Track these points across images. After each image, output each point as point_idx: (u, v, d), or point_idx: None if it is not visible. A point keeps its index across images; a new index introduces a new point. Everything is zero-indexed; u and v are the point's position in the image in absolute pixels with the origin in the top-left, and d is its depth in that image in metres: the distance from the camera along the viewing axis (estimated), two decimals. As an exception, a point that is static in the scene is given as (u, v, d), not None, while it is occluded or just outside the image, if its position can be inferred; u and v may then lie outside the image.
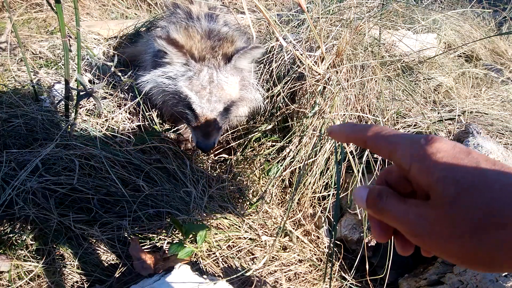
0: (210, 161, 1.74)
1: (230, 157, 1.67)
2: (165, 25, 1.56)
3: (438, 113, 1.63)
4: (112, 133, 1.53)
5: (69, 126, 1.45)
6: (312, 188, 1.47)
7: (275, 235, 1.44)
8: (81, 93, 1.28)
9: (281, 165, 1.53)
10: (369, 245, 1.35)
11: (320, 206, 1.52)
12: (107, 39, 2.26)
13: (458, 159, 0.36)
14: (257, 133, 1.66)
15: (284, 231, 1.45)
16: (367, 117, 1.50)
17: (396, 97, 1.68)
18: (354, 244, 1.46)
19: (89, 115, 1.65)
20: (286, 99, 1.56)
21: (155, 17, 2.40)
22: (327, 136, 1.44)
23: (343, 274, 1.41)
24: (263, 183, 1.59)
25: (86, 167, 1.35)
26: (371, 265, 1.37)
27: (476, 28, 2.54)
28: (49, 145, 1.31)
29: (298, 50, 1.45)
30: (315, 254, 1.46)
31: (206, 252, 1.33)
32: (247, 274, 1.28)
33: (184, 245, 1.22)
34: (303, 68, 1.45)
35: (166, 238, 1.29)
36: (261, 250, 1.40)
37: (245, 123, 1.75)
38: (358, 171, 1.32)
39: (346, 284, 1.35)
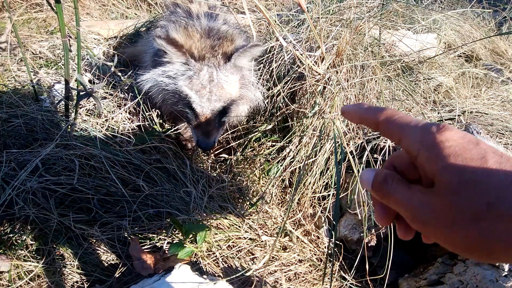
0: (210, 161, 1.74)
1: (230, 157, 1.67)
2: (165, 24, 1.56)
3: (438, 113, 1.63)
4: (112, 133, 1.53)
5: (69, 126, 1.45)
6: (312, 188, 1.47)
7: (275, 235, 1.43)
8: (81, 93, 1.27)
9: (281, 165, 1.53)
10: (369, 245, 1.35)
11: (320, 206, 1.52)
12: (107, 39, 2.26)
13: (466, 149, 0.36)
14: (257, 133, 1.66)
15: (284, 231, 1.45)
16: (367, 117, 1.50)
17: (396, 97, 1.68)
18: (354, 244, 1.46)
19: (89, 115, 1.65)
20: (286, 99, 1.56)
21: (155, 17, 2.41)
22: (327, 136, 1.44)
23: (343, 274, 1.41)
24: (263, 183, 1.59)
25: (86, 167, 1.34)
26: (371, 265, 1.37)
27: (476, 28, 2.54)
28: (49, 145, 1.31)
29: (298, 50, 1.45)
30: (315, 254, 1.46)
31: (206, 252, 1.33)
32: (247, 274, 1.28)
33: (184, 245, 1.22)
34: (303, 68, 1.45)
35: (166, 238, 1.29)
36: (261, 250, 1.40)
37: (245, 123, 1.75)
38: (358, 171, 1.32)
39: (346, 284, 1.35)
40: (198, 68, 1.32)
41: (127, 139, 1.52)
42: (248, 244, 1.40)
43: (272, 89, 1.61)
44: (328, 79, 1.45)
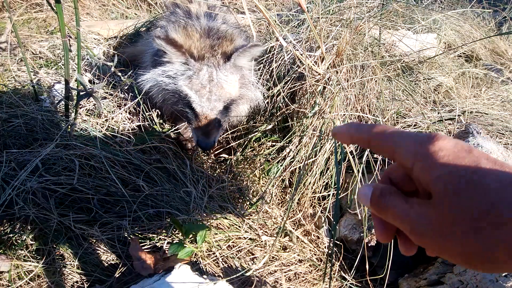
0: (210, 161, 1.74)
1: (230, 157, 1.67)
2: (164, 24, 1.56)
3: (438, 113, 1.63)
4: (112, 133, 1.53)
5: (69, 126, 1.45)
6: (312, 188, 1.47)
7: (275, 235, 1.43)
8: (81, 93, 1.27)
9: (281, 165, 1.53)
10: (369, 245, 1.35)
11: (320, 206, 1.52)
12: (107, 39, 2.26)
13: (459, 158, 0.36)
14: (257, 133, 1.66)
15: (284, 231, 1.45)
16: (367, 117, 1.50)
17: (396, 97, 1.68)
18: (354, 244, 1.46)
19: (89, 115, 1.65)
20: (286, 99, 1.56)
21: (155, 17, 2.41)
22: (327, 136, 1.44)
23: (343, 274, 1.40)
24: (263, 183, 1.59)
25: (86, 167, 1.34)
26: (371, 265, 1.37)
27: (476, 28, 2.54)
28: (49, 145, 1.31)
29: (298, 50, 1.45)
30: (315, 254, 1.46)
31: (206, 252, 1.33)
32: (247, 274, 1.28)
33: (184, 245, 1.22)
34: (303, 68, 1.45)
35: (166, 238, 1.29)
36: (261, 250, 1.40)
37: (245, 123, 1.75)
38: (358, 171, 1.32)
39: (346, 284, 1.35)
40: (197, 68, 1.32)
41: (127, 139, 1.52)
42: (248, 244, 1.40)
43: (272, 89, 1.61)
44: (328, 79, 1.45)
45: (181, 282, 1.09)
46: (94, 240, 1.27)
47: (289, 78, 1.58)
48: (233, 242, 1.38)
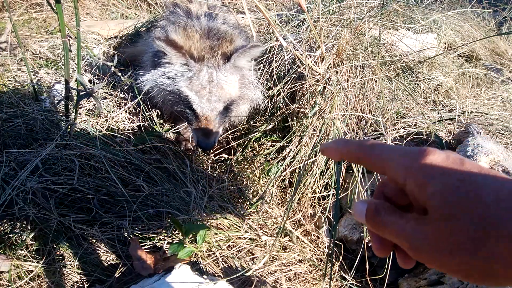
0: (210, 161, 1.74)
1: (230, 157, 1.67)
2: (164, 24, 1.56)
3: (438, 113, 1.63)
4: (112, 133, 1.53)
5: (69, 126, 1.45)
6: (312, 188, 1.47)
7: (275, 235, 1.43)
8: (81, 93, 1.28)
9: (281, 165, 1.53)
10: (369, 245, 1.35)
11: (320, 206, 1.52)
12: (107, 39, 2.26)
13: (452, 171, 0.36)
14: (257, 133, 1.66)
15: (284, 231, 1.45)
16: (367, 117, 1.50)
17: (396, 97, 1.68)
18: (354, 244, 1.46)
19: (89, 115, 1.65)
20: (286, 99, 1.56)
21: (155, 17, 2.41)
22: (327, 136, 1.44)
23: (343, 274, 1.40)
24: (263, 183, 1.59)
25: (86, 167, 1.35)
26: (371, 265, 1.37)
27: (476, 28, 2.54)
28: (49, 145, 1.31)
29: (298, 50, 1.45)
30: (315, 254, 1.46)
31: (206, 252, 1.33)
32: (247, 274, 1.28)
33: (184, 245, 1.22)
34: (303, 68, 1.45)
35: (166, 238, 1.29)
36: (261, 250, 1.40)
37: (245, 123, 1.75)
38: (358, 171, 1.32)
39: (346, 284, 1.35)
40: (197, 69, 1.32)
41: (127, 139, 1.53)
42: (248, 244, 1.40)
43: (272, 89, 1.61)
44: (328, 79, 1.45)
45: (181, 282, 1.09)
46: (94, 240, 1.27)
47: (289, 78, 1.58)
48: (233, 242, 1.38)
